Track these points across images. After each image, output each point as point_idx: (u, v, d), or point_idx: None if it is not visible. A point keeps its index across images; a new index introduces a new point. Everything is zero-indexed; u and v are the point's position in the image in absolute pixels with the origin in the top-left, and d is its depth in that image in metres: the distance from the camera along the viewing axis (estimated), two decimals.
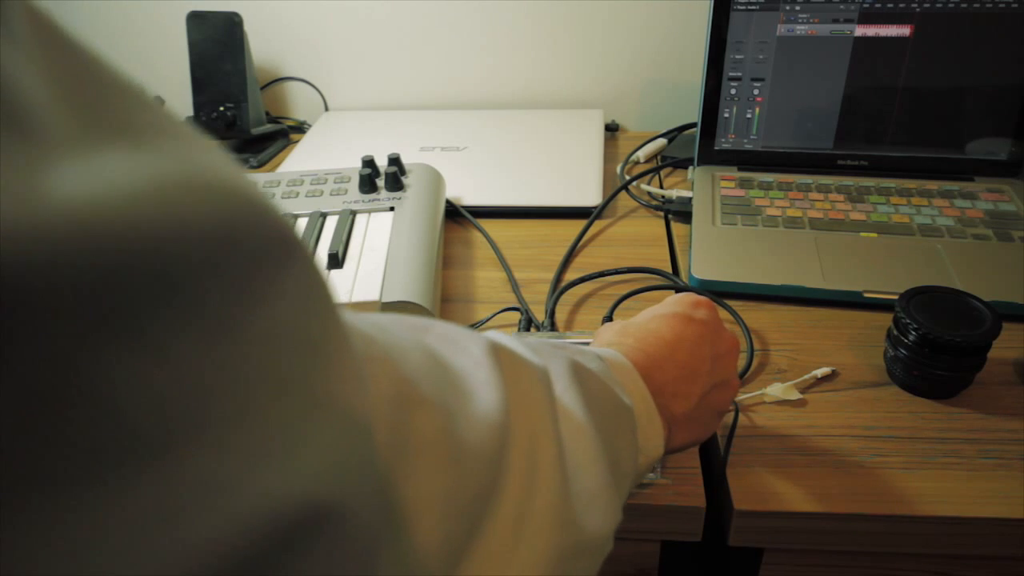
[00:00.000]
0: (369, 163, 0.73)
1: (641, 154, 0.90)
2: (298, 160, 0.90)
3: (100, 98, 0.14)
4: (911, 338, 0.51)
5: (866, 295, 0.61)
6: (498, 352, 0.28)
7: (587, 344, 0.45)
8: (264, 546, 0.14)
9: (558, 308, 0.65)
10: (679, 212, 0.78)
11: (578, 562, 0.29)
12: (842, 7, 0.72)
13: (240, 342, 0.14)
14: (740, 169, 0.80)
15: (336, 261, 0.63)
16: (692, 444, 0.41)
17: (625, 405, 0.34)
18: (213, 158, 0.15)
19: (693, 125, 0.91)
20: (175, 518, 0.13)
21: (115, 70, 0.15)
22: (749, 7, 0.74)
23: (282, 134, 1.01)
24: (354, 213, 0.70)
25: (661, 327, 0.40)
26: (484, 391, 0.26)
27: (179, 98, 1.02)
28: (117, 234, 0.12)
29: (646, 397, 0.36)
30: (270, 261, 0.15)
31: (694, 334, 0.40)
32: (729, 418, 0.51)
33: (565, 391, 0.32)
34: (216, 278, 0.14)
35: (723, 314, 0.62)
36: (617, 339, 0.40)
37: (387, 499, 0.20)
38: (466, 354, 0.28)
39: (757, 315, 0.62)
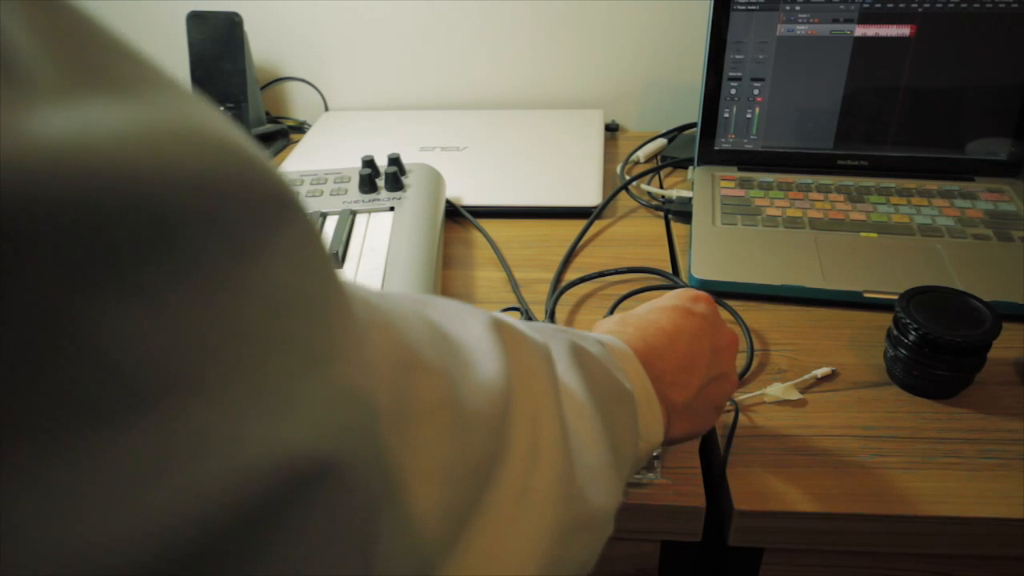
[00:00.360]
0: (369, 163, 0.73)
1: (641, 154, 0.90)
2: (298, 160, 0.90)
3: (89, 50, 0.14)
4: (911, 338, 0.51)
5: (866, 295, 0.61)
6: (500, 327, 0.28)
7: None
8: (263, 498, 0.14)
9: (558, 308, 0.65)
10: (679, 212, 0.78)
11: (581, 536, 0.29)
12: (842, 7, 0.72)
13: (236, 297, 0.14)
14: (740, 169, 0.80)
15: (336, 261, 0.63)
16: (690, 436, 0.41)
17: (626, 389, 0.34)
18: (207, 112, 0.15)
19: (693, 125, 0.91)
20: (170, 469, 0.13)
21: (105, 25, 0.15)
22: (749, 7, 0.74)
23: (282, 134, 1.01)
24: (354, 213, 0.70)
25: (661, 318, 0.41)
26: (486, 362, 0.26)
27: None
28: (106, 176, 0.12)
29: (646, 383, 0.36)
30: (266, 217, 0.15)
31: (693, 326, 0.40)
32: (729, 418, 0.51)
33: (566, 371, 0.32)
34: (211, 230, 0.13)
35: (723, 314, 0.62)
36: (617, 328, 0.40)
37: (387, 463, 0.19)
38: (467, 328, 0.27)
39: (757, 315, 0.62)
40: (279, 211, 0.16)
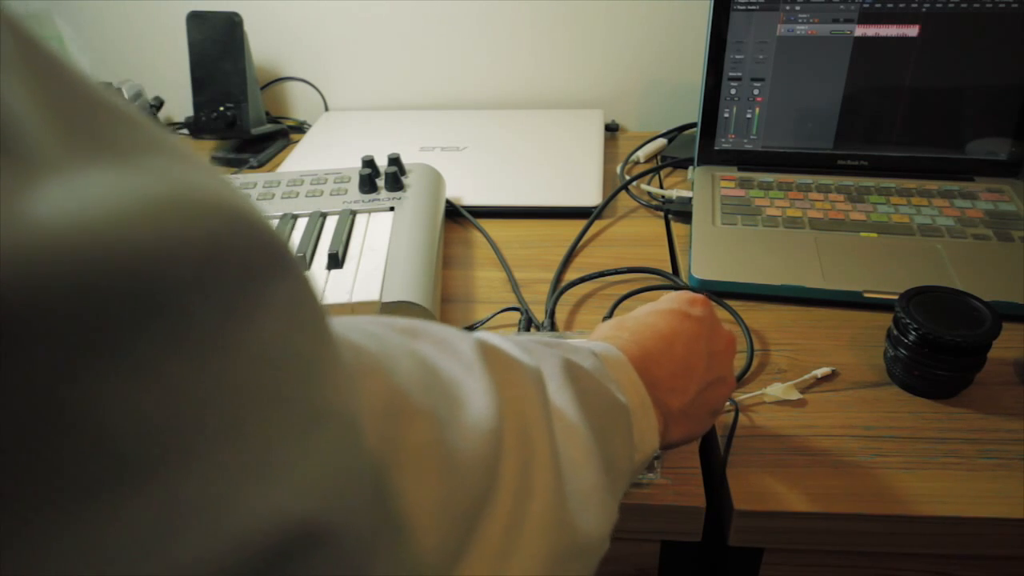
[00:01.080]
0: (369, 163, 0.73)
1: (641, 154, 0.90)
2: (298, 160, 0.90)
3: (85, 117, 0.14)
4: (911, 338, 0.51)
5: (866, 295, 0.61)
6: (489, 354, 0.28)
7: None
8: (259, 564, 0.14)
9: (558, 308, 0.65)
10: (679, 212, 0.78)
11: (574, 563, 0.29)
12: (842, 7, 0.72)
13: (229, 360, 0.14)
14: (740, 169, 0.80)
15: (336, 261, 0.63)
16: (686, 441, 0.41)
17: (620, 403, 0.34)
18: (201, 173, 0.15)
19: (693, 125, 0.91)
20: (166, 539, 0.13)
21: (100, 89, 0.15)
22: (749, 7, 0.74)
23: (282, 134, 1.01)
24: (354, 213, 0.70)
25: (658, 322, 0.40)
26: (476, 397, 0.26)
27: (179, 98, 1.02)
28: (102, 254, 0.12)
29: (641, 391, 0.36)
30: (259, 276, 0.15)
31: (690, 330, 0.40)
32: (729, 418, 0.51)
33: (558, 391, 0.31)
34: (204, 295, 0.14)
35: (723, 314, 0.62)
36: (613, 333, 0.40)
37: (381, 512, 0.20)
38: (457, 358, 0.27)
39: (757, 315, 0.62)
40: (271, 267, 0.16)
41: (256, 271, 0.15)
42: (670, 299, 0.43)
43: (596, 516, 0.30)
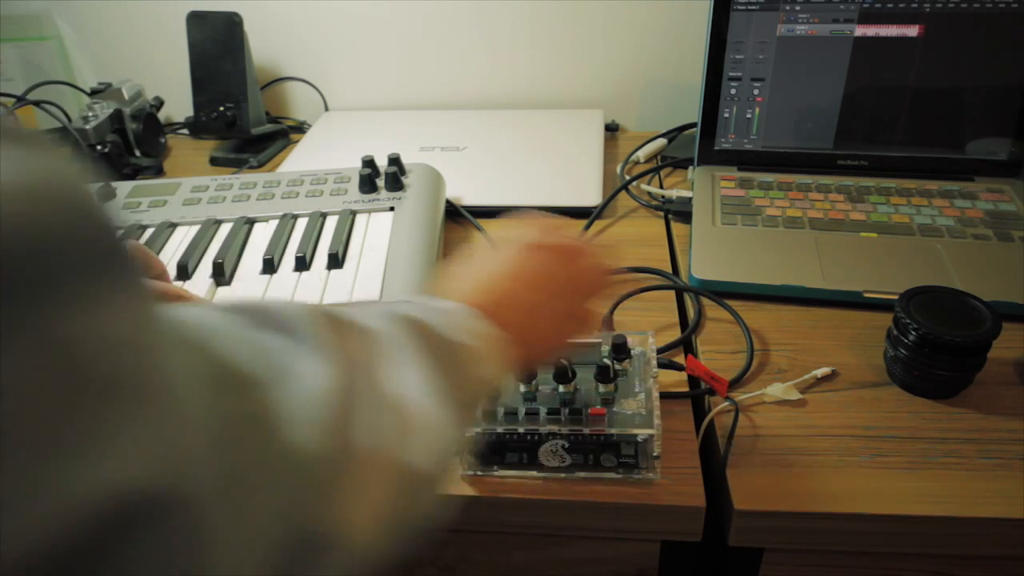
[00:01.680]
0: (369, 163, 0.73)
1: (641, 154, 0.90)
2: (298, 160, 0.90)
3: None
4: (911, 338, 0.51)
5: (866, 295, 0.61)
6: (321, 321, 0.29)
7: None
8: (93, 533, 0.15)
9: None
10: (679, 212, 0.78)
11: (421, 495, 0.31)
12: (842, 7, 0.72)
13: (50, 348, 0.15)
14: (740, 169, 0.80)
15: (336, 261, 0.63)
16: (532, 365, 0.41)
17: (460, 343, 0.35)
18: (49, 165, 0.15)
19: (693, 125, 0.91)
20: None
21: None
22: (749, 7, 0.74)
23: (282, 134, 1.01)
24: (354, 213, 0.70)
25: (504, 264, 0.41)
26: (308, 365, 0.27)
27: (179, 98, 1.02)
28: None
29: (482, 327, 0.36)
30: (85, 270, 0.16)
31: (537, 264, 0.41)
32: (729, 418, 0.51)
33: (402, 348, 0.32)
34: (26, 285, 0.14)
35: (723, 314, 0.62)
36: (461, 284, 0.41)
37: (219, 482, 0.20)
38: (290, 328, 0.28)
39: (757, 315, 0.62)
40: (98, 263, 0.16)
41: (82, 265, 0.16)
42: (528, 229, 0.43)
43: (438, 455, 0.32)
